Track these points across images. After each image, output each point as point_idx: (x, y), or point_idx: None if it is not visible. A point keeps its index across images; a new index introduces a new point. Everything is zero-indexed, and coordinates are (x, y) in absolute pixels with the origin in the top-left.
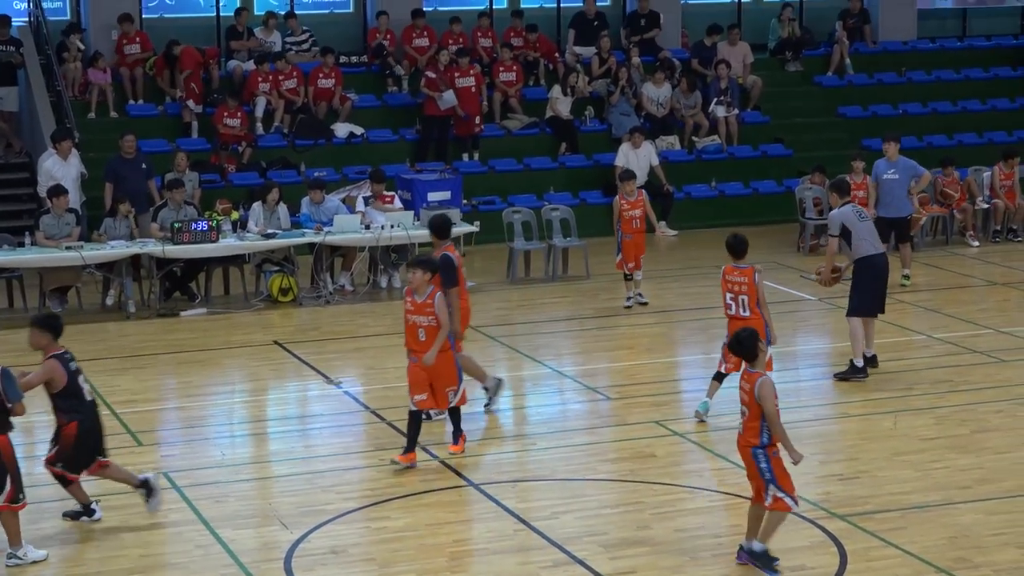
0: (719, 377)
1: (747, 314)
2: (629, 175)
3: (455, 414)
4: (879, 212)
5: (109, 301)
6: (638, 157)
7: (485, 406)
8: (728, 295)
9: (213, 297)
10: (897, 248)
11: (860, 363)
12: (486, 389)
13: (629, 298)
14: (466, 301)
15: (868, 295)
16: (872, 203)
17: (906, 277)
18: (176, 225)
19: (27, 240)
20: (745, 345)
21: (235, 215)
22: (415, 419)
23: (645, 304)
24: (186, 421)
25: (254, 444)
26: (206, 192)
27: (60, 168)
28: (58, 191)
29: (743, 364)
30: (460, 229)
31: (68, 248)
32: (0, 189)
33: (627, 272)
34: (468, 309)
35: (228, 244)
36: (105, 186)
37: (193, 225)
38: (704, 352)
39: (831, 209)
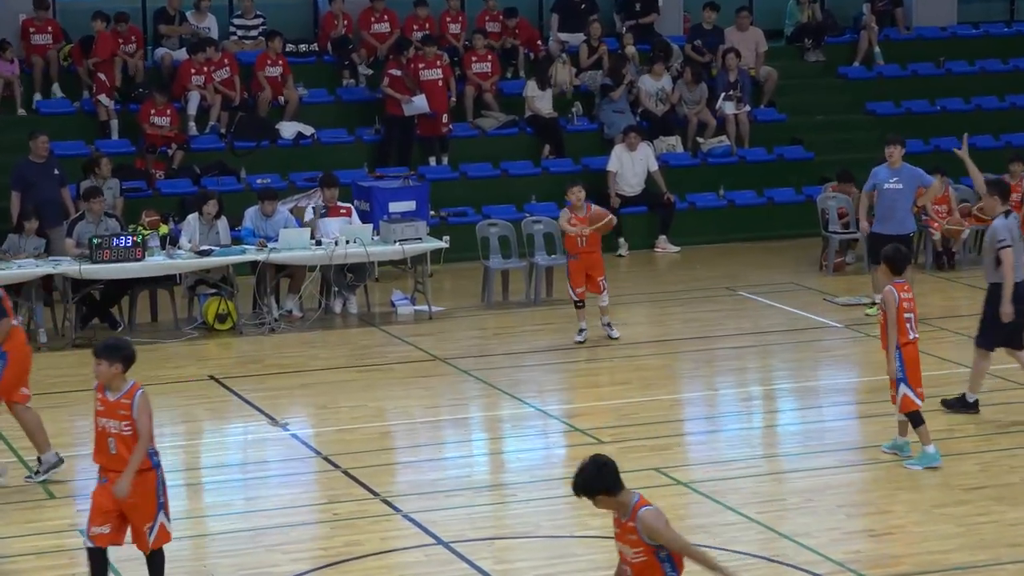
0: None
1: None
2: (576, 182)
3: (154, 561)
4: (876, 228)
5: None
6: (634, 161)
7: (27, 478)
8: (907, 314)
9: (139, 325)
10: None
11: (973, 399)
12: (39, 460)
13: (582, 331)
14: (20, 337)
15: (1005, 325)
16: (863, 215)
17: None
18: (95, 241)
19: None
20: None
21: (164, 229)
22: (95, 559)
23: (615, 339)
24: None
25: (187, 496)
26: (130, 202)
27: None
28: None
29: None
30: (427, 245)
31: None
32: None
33: (575, 298)
34: (23, 348)
35: (156, 263)
36: (12, 195)
37: (115, 241)
38: (710, 388)
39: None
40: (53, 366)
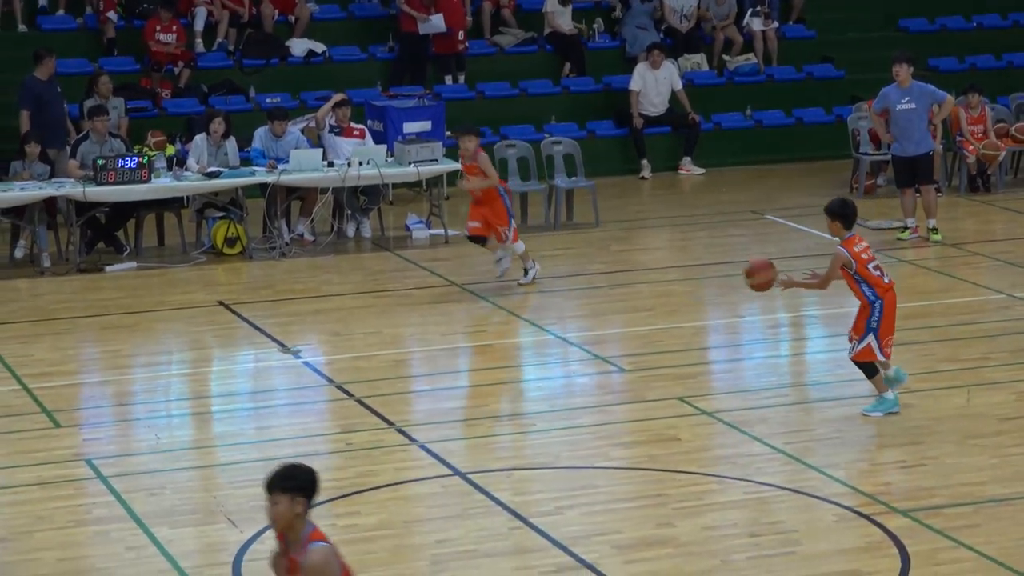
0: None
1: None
2: (469, 129)
3: None
4: (895, 151)
5: (19, 254)
6: (657, 80)
7: None
8: (871, 264)
9: (145, 249)
10: (919, 192)
11: None
12: None
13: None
14: None
15: None
16: (881, 132)
17: (934, 231)
18: (100, 162)
19: None
20: None
21: (171, 150)
22: None
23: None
24: (113, 398)
25: (196, 426)
26: (135, 122)
27: None
28: None
29: None
30: (443, 167)
31: None
32: None
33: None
34: None
35: (163, 185)
36: (21, 113)
37: (120, 162)
38: (735, 315)
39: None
40: (57, 291)
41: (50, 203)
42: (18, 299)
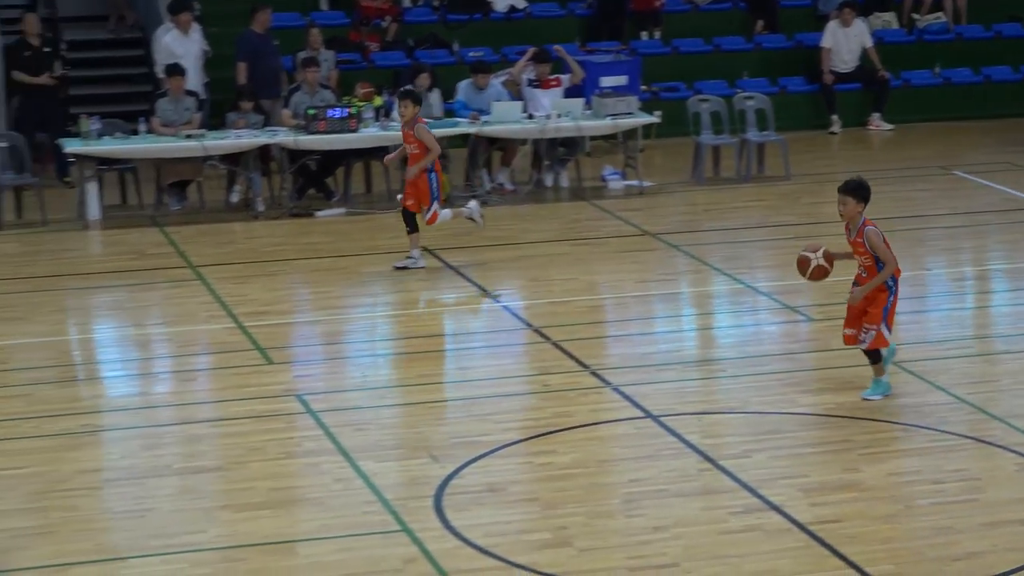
0: None
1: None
2: (407, 94)
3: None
4: None
5: (234, 198)
6: (848, 37)
7: None
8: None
9: (353, 195)
10: None
11: None
12: None
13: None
14: None
15: None
16: None
17: None
18: (311, 112)
19: (141, 127)
20: None
21: (378, 101)
22: None
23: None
24: (323, 337)
25: (400, 365)
26: (344, 74)
27: (180, 44)
28: (175, 71)
29: None
30: (638, 120)
31: (188, 137)
32: (111, 68)
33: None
34: None
35: (370, 135)
36: (238, 65)
37: (329, 112)
38: (921, 267)
39: None
40: (270, 235)
41: (264, 151)
42: (233, 242)
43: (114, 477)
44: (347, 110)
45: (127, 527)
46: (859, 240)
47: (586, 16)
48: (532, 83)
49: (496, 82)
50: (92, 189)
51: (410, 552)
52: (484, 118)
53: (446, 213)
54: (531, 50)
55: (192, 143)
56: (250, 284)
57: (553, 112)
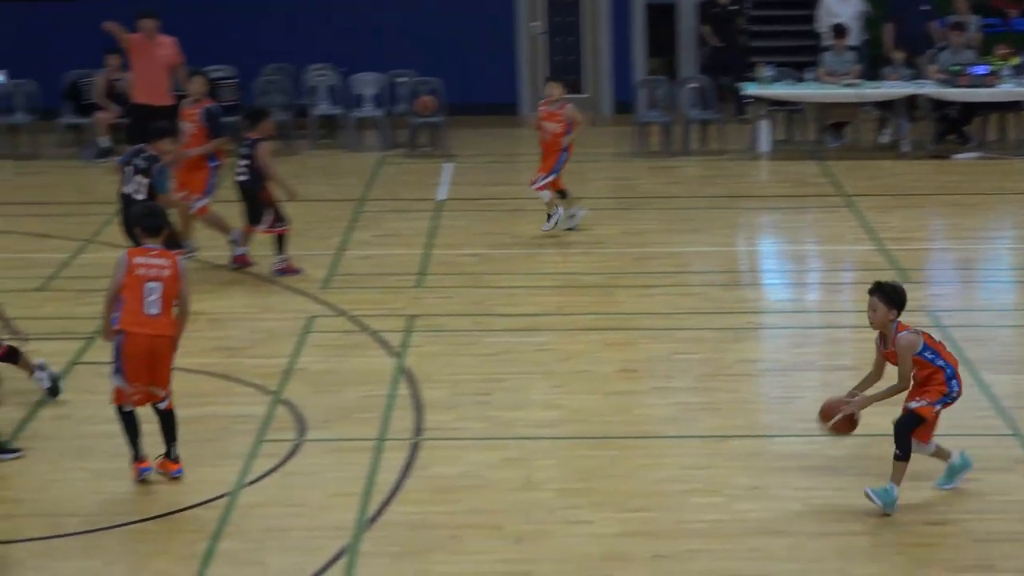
0: None
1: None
2: (553, 76)
3: None
4: None
5: (884, 139)
6: None
7: None
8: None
9: (988, 142)
10: None
11: None
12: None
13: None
14: None
15: None
16: None
17: None
18: (954, 68)
19: (808, 75)
20: None
21: (1015, 60)
22: None
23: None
24: (955, 263)
25: (1021, 291)
26: (987, 36)
27: (840, 6)
28: (839, 29)
29: None
30: None
31: (847, 85)
32: (783, 25)
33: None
34: None
35: (1007, 90)
36: (884, 27)
37: (971, 69)
38: None
39: None
40: (911, 172)
41: (912, 100)
42: (879, 176)
43: (769, 368)
44: (987, 68)
45: (777, 410)
46: (893, 351)
47: None
48: None
49: None
50: (764, 126)
51: (1018, 454)
52: None
53: None
54: None
55: (851, 91)
56: (893, 213)
57: None
